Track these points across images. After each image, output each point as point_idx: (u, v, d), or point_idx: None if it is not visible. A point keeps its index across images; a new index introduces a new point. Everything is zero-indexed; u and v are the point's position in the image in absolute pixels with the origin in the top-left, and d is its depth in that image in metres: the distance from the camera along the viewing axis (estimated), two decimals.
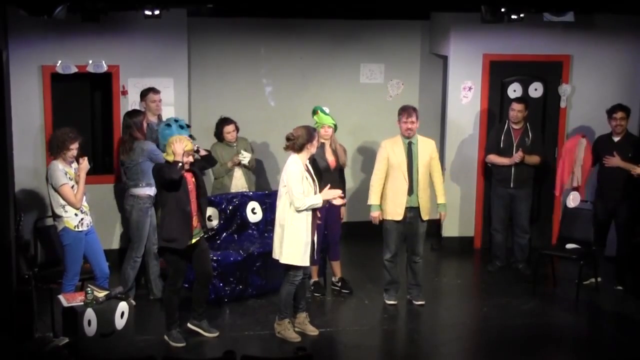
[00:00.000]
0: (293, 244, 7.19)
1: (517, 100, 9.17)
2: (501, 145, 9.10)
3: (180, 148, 6.96)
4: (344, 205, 8.59)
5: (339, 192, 7.38)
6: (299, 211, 7.11)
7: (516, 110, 8.99)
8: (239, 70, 9.96)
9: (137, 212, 7.98)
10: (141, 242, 8.03)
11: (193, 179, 7.19)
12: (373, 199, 8.02)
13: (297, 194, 7.10)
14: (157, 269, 8.24)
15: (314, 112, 8.21)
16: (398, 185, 7.96)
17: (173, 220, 7.05)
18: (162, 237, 7.17)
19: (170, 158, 7.01)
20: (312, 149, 7.24)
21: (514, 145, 9.03)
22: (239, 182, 8.80)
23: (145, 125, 8.00)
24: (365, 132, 10.28)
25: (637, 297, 8.49)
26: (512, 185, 9.11)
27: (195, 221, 7.18)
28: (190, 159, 7.10)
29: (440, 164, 8.25)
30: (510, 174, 9.08)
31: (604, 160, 8.69)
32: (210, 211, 8.43)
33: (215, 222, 8.51)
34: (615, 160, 8.62)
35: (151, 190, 7.88)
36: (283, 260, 7.26)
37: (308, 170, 7.29)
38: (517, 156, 8.94)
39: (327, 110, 8.26)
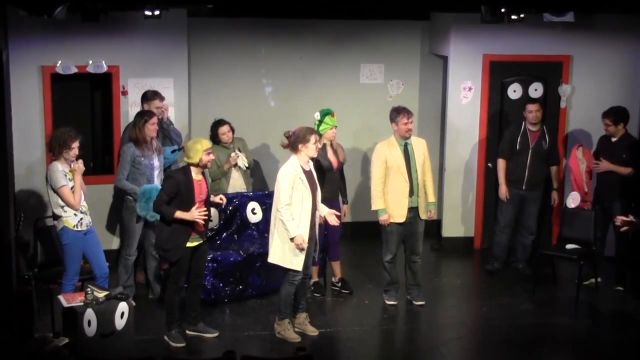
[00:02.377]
0: (280, 245, 7.19)
1: (531, 101, 9.12)
2: (517, 147, 9.01)
3: (200, 147, 7.03)
4: (345, 203, 8.65)
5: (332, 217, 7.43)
6: (279, 217, 7.13)
7: (534, 111, 8.93)
8: (239, 70, 9.96)
9: (125, 210, 8.00)
10: (129, 241, 8.03)
11: (206, 189, 7.24)
12: (379, 203, 7.99)
13: (283, 200, 7.11)
14: (157, 269, 8.23)
15: (326, 115, 8.15)
16: (399, 187, 7.96)
17: (165, 231, 7.09)
18: (156, 244, 7.27)
19: (193, 160, 7.04)
20: (307, 151, 7.20)
21: (530, 148, 8.98)
22: (236, 184, 8.78)
23: (155, 126, 7.96)
24: (365, 132, 10.27)
25: (637, 297, 8.49)
26: (524, 187, 9.08)
27: (201, 226, 7.19)
28: (211, 156, 7.15)
29: (431, 162, 8.26)
30: (524, 176, 9.03)
31: (593, 166, 8.72)
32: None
33: (215, 222, 8.51)
34: (603, 165, 8.64)
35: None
36: (269, 259, 7.29)
37: (309, 172, 7.29)
38: (555, 199, 9.15)
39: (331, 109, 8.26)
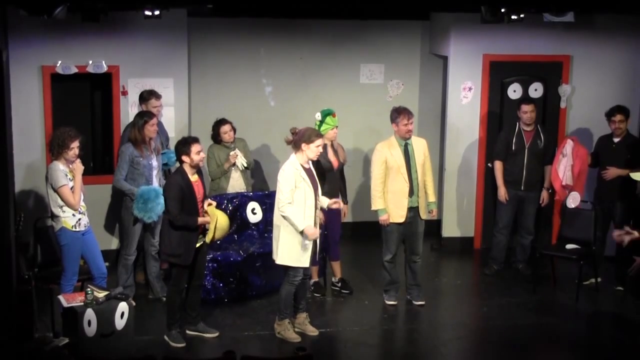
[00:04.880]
0: (288, 244, 7.19)
1: (525, 101, 9.07)
2: (513, 148, 9.02)
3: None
4: (345, 203, 8.65)
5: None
6: (282, 215, 7.13)
7: (528, 112, 8.92)
8: (239, 70, 9.97)
9: (124, 210, 8.00)
10: (129, 241, 8.02)
11: (203, 189, 7.25)
12: (378, 203, 7.99)
13: (284, 198, 7.12)
14: (156, 269, 8.23)
15: (327, 115, 8.15)
16: (399, 187, 7.96)
17: (175, 236, 7.09)
18: (164, 252, 7.24)
19: (187, 162, 7.10)
20: (308, 152, 7.19)
21: (526, 147, 8.98)
22: (236, 184, 8.77)
23: (154, 127, 7.96)
24: (365, 132, 10.27)
25: (637, 297, 8.49)
26: (522, 188, 9.08)
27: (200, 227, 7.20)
28: (202, 155, 7.19)
29: (431, 162, 8.26)
30: (522, 177, 9.03)
31: (602, 174, 8.73)
32: None
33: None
34: (611, 172, 8.63)
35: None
36: (278, 261, 7.27)
37: (309, 170, 7.29)
38: (544, 198, 9.07)
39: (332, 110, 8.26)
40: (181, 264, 7.13)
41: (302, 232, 7.13)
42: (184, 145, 7.12)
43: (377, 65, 10.28)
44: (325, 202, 7.46)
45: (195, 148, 7.11)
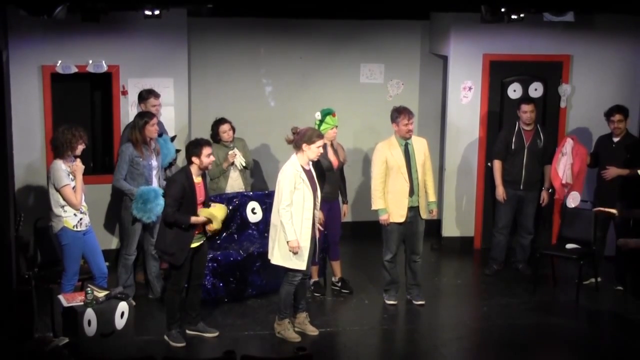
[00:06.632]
0: (284, 246, 7.19)
1: (526, 101, 9.06)
2: (512, 147, 9.02)
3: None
4: (345, 203, 8.65)
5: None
6: (281, 218, 7.14)
7: (528, 112, 8.92)
8: (239, 70, 9.97)
9: (124, 210, 7.99)
10: (129, 240, 8.01)
11: (204, 192, 7.25)
12: (379, 203, 7.99)
13: (284, 201, 7.11)
14: (156, 268, 8.23)
15: (327, 115, 8.15)
16: (399, 187, 7.96)
17: (169, 235, 7.09)
18: (159, 248, 7.25)
19: (196, 164, 7.09)
20: (309, 152, 7.19)
21: (526, 147, 8.98)
22: (235, 183, 8.78)
23: (155, 127, 7.95)
24: (365, 132, 10.27)
25: (637, 297, 8.49)
26: (522, 188, 9.08)
27: (201, 227, 7.19)
28: (212, 158, 7.18)
29: (431, 162, 8.25)
30: (521, 176, 9.03)
31: (602, 174, 8.72)
32: None
33: None
34: (611, 172, 8.63)
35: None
36: (273, 261, 7.28)
37: (309, 172, 7.29)
38: (544, 198, 9.10)
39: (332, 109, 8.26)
40: (173, 263, 7.13)
41: (287, 242, 7.13)
42: (195, 146, 7.12)
43: (377, 65, 10.28)
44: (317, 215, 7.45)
45: (206, 151, 7.10)
